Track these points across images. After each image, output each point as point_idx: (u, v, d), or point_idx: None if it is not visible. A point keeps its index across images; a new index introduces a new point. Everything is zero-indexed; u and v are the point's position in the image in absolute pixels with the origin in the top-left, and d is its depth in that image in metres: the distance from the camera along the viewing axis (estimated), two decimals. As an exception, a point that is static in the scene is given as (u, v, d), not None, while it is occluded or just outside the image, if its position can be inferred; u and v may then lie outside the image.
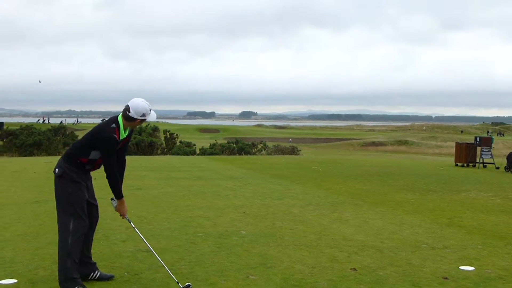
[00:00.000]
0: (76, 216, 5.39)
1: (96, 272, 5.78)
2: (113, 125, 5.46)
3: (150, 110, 5.56)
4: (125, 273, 6.00)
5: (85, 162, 5.49)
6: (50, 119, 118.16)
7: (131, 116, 5.48)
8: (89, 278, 5.71)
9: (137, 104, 5.50)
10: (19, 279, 5.71)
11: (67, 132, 59.01)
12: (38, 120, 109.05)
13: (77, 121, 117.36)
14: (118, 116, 5.57)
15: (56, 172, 5.47)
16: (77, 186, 5.44)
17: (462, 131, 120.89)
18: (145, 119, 5.52)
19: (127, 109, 5.50)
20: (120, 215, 5.76)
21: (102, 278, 5.75)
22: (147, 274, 5.98)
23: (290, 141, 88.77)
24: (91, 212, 5.67)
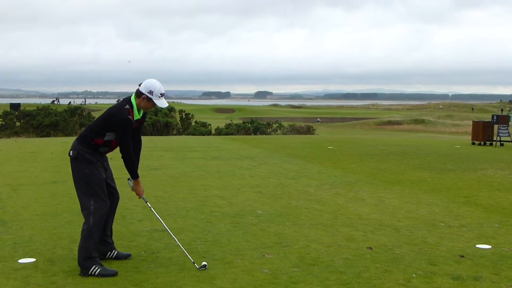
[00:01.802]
0: (96, 196, 5.41)
1: (114, 251, 5.83)
2: (127, 106, 5.48)
3: (160, 94, 5.54)
4: (142, 252, 6.06)
5: (100, 144, 5.51)
6: (64, 100, 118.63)
7: (139, 91, 5.51)
8: (106, 257, 5.76)
9: (149, 81, 5.56)
10: (37, 258, 5.78)
11: (84, 113, 59.33)
12: (52, 101, 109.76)
13: (85, 102, 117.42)
14: (131, 96, 5.58)
15: (71, 154, 5.49)
16: (94, 167, 5.46)
17: (473, 109, 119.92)
18: (151, 98, 5.49)
19: (139, 84, 5.58)
20: (137, 195, 5.80)
21: (119, 257, 5.81)
22: (163, 253, 6.02)
23: (318, 121, 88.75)
24: (111, 192, 5.71)
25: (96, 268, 5.30)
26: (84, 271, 5.30)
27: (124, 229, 7.09)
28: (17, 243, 6.39)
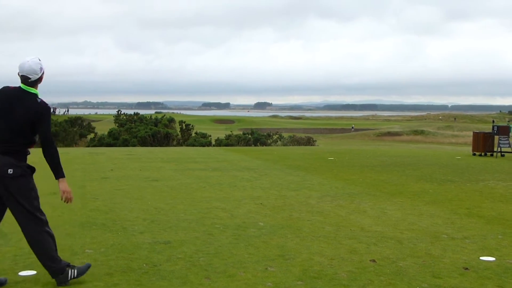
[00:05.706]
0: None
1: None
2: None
3: (39, 59, 5.25)
4: (144, 265, 6.00)
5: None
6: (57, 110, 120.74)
7: (37, 79, 5.24)
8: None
9: (31, 67, 5.16)
10: (38, 271, 5.73)
11: (84, 123, 59.31)
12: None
13: (68, 111, 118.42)
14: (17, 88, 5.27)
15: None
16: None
17: (455, 119, 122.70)
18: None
19: (26, 78, 5.18)
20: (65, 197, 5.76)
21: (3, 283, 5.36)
22: (165, 266, 5.97)
23: (352, 128, 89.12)
24: None
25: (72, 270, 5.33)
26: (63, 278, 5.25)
27: (126, 241, 7.04)
28: (18, 255, 6.34)
